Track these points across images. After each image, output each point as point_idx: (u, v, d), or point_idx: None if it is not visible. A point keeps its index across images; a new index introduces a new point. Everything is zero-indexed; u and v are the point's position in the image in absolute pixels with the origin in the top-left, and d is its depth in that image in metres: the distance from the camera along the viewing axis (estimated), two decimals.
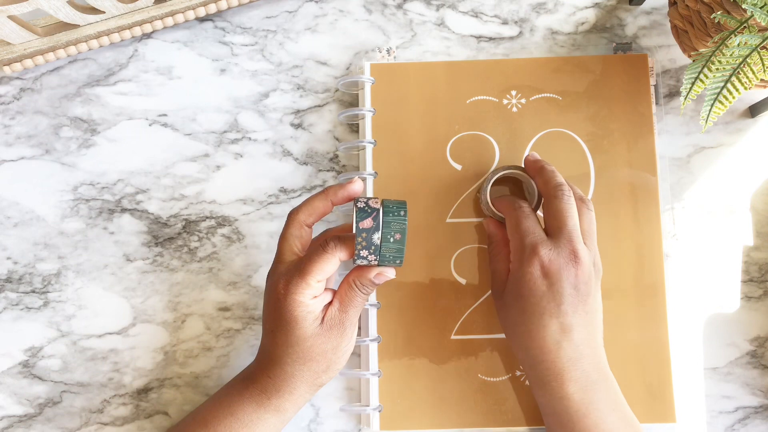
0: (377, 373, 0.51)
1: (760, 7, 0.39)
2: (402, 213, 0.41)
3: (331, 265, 0.42)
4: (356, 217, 0.41)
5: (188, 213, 0.55)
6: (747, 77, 0.40)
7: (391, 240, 0.41)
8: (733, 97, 0.41)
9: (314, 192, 0.55)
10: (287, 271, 0.43)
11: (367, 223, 0.41)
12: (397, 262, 0.42)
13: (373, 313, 0.52)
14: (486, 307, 0.52)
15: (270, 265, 0.44)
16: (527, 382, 0.51)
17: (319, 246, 0.43)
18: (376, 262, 0.42)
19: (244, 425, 0.44)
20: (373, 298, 0.52)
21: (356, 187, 0.45)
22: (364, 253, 0.41)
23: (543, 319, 0.44)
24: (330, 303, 0.44)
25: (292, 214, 0.45)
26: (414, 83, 0.55)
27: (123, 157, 0.55)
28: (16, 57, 0.54)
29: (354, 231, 0.41)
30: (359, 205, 0.41)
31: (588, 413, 0.43)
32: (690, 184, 0.54)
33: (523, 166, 0.50)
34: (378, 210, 0.41)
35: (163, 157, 0.55)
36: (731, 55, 0.40)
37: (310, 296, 0.42)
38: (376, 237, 0.41)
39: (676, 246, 0.53)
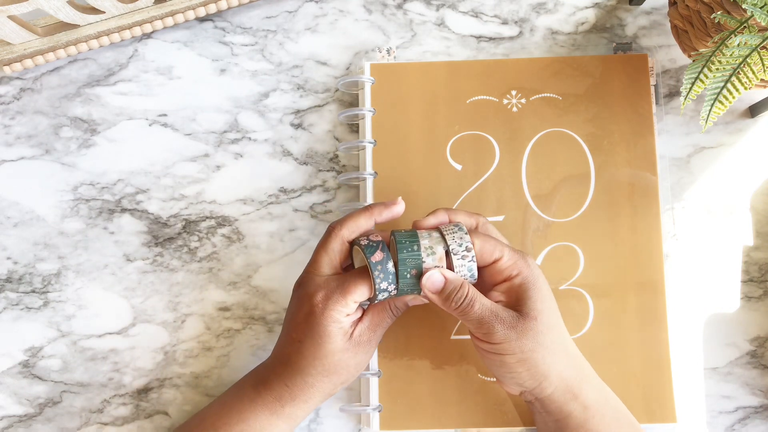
0: (377, 373, 0.51)
1: (760, 7, 0.39)
2: (415, 248, 0.42)
3: (370, 291, 0.43)
4: (366, 254, 0.42)
5: (188, 213, 0.55)
6: (747, 77, 0.40)
7: (408, 276, 0.42)
8: (733, 97, 0.41)
9: (314, 192, 0.55)
10: (326, 285, 0.44)
11: (378, 255, 0.42)
12: (416, 292, 0.43)
13: None
14: None
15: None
16: (548, 392, 0.45)
17: (365, 271, 0.43)
18: (395, 291, 0.43)
19: None
20: None
21: (400, 208, 0.46)
22: (383, 285, 0.42)
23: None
24: (359, 320, 0.45)
25: (336, 230, 0.45)
26: (414, 83, 0.55)
27: (123, 157, 0.55)
28: (16, 57, 0.54)
29: (368, 267, 0.42)
30: (363, 243, 0.43)
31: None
32: (690, 184, 0.54)
33: (415, 228, 0.45)
34: (381, 242, 0.43)
35: (163, 157, 0.55)
36: (731, 55, 0.40)
37: (345, 314, 0.43)
38: (390, 265, 0.42)
39: (676, 246, 0.53)
